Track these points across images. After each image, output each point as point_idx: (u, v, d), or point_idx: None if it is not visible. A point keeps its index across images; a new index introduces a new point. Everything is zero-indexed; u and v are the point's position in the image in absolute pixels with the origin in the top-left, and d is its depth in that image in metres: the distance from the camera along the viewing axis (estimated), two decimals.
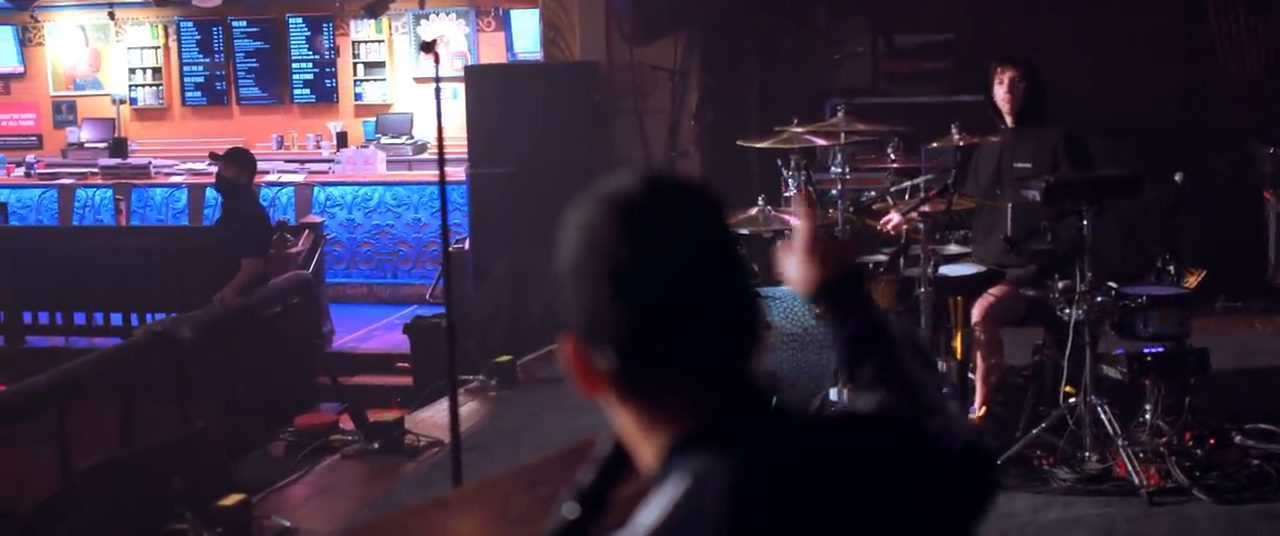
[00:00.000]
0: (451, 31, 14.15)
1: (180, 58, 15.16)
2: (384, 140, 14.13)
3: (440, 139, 5.36)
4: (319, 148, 14.45)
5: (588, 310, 1.55)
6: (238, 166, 9.81)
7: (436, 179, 12.42)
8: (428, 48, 5.05)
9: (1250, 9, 10.44)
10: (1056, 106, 6.89)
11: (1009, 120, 6.78)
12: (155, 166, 14.08)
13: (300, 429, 7.68)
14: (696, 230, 1.58)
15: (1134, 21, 10.43)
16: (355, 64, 14.73)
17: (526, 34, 13.46)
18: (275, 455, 7.72)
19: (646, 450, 1.58)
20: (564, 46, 10.92)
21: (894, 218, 6.68)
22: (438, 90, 5.12)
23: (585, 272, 1.55)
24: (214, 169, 10.30)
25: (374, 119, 14.47)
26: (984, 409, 6.47)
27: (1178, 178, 7.30)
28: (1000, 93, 6.76)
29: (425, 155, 13.65)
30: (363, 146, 14.12)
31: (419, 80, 14.34)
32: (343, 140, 14.24)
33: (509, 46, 14.04)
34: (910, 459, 1.66)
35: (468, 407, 7.95)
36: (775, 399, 1.62)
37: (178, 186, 13.78)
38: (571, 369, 1.60)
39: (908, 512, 1.60)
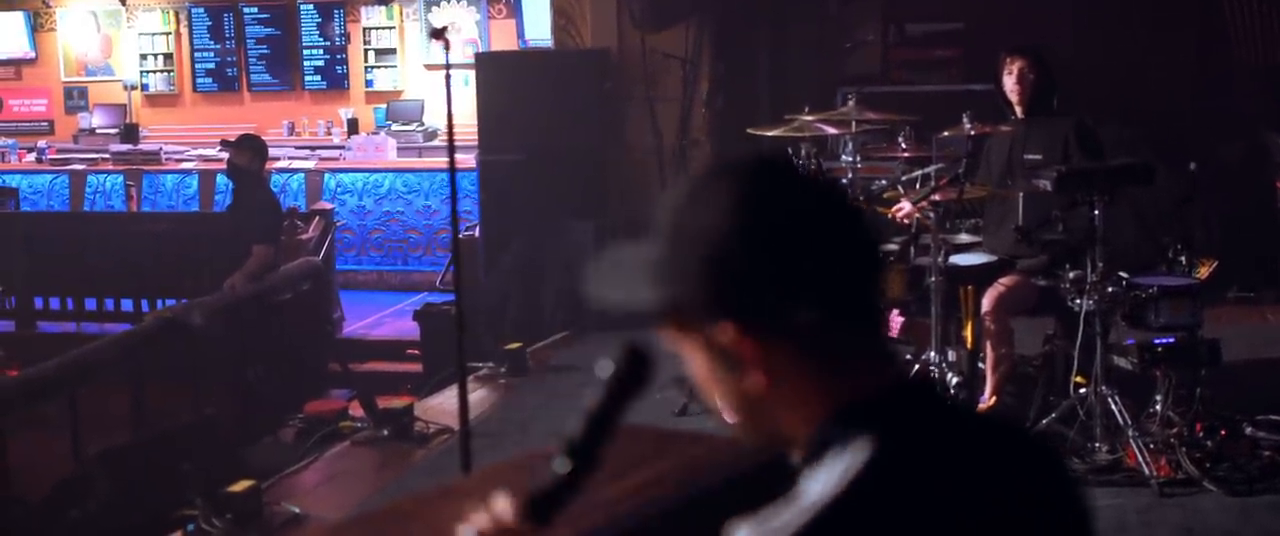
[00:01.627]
0: (462, 18, 14.14)
1: (191, 44, 15.16)
2: (395, 127, 14.12)
3: (450, 126, 5.36)
4: (330, 134, 14.46)
5: (759, 279, 1.50)
6: (249, 153, 9.82)
7: (447, 166, 12.46)
8: (438, 34, 5.04)
9: None
10: (1068, 95, 6.87)
11: (1019, 111, 6.77)
12: (166, 153, 14.07)
13: (310, 415, 7.69)
14: (836, 191, 1.59)
15: (1146, 9, 10.40)
16: (366, 50, 14.71)
17: (538, 21, 13.41)
18: (285, 441, 7.73)
19: (800, 422, 1.55)
20: (575, 33, 10.90)
21: (905, 206, 6.67)
22: (448, 77, 5.12)
23: (747, 241, 1.51)
24: (225, 156, 10.31)
25: (385, 106, 14.46)
26: (994, 399, 6.46)
27: (1191, 167, 7.27)
28: (1009, 83, 6.75)
29: (436, 142, 13.64)
30: (373, 133, 14.12)
31: (430, 67, 14.32)
32: (354, 127, 14.24)
33: (520, 33, 14.02)
34: (1053, 471, 1.67)
35: (478, 395, 7.94)
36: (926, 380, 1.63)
37: (189, 173, 13.78)
38: (738, 356, 1.53)
39: (1056, 526, 1.62)
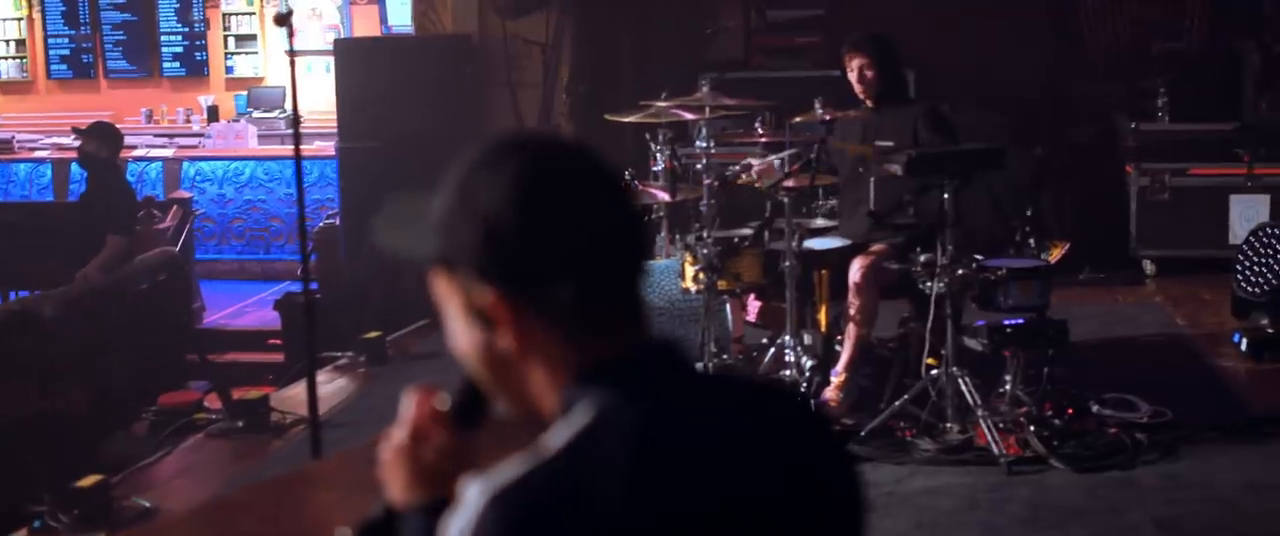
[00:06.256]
0: (324, 4, 13.98)
1: (45, 29, 14.82)
2: (256, 114, 13.92)
3: (295, 113, 5.32)
4: (189, 122, 14.21)
5: (526, 254, 1.57)
6: (99, 141, 9.63)
7: (310, 153, 12.35)
8: (282, 20, 4.98)
9: None
10: (927, 80, 6.96)
11: (868, 103, 6.85)
12: (19, 141, 13.75)
13: (164, 407, 7.56)
14: (602, 166, 1.64)
15: None
16: (226, 36, 14.51)
17: (401, 7, 13.33)
18: (138, 434, 7.59)
19: (545, 385, 1.62)
20: (436, 20, 10.82)
21: (753, 165, 6.75)
22: (292, 63, 5.08)
23: (521, 218, 1.57)
24: (78, 144, 10.10)
25: (246, 93, 14.26)
26: (844, 375, 6.50)
27: (1038, 151, 7.41)
28: (852, 78, 6.83)
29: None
30: (234, 120, 13.90)
31: (291, 54, 14.11)
32: (214, 114, 14.01)
33: (383, 20, 13.91)
34: (808, 432, 1.70)
35: (336, 385, 7.88)
36: (675, 345, 1.67)
37: (42, 161, 13.47)
38: (493, 319, 1.60)
39: (799, 479, 1.63)
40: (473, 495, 1.50)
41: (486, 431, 1.77)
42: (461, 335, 1.66)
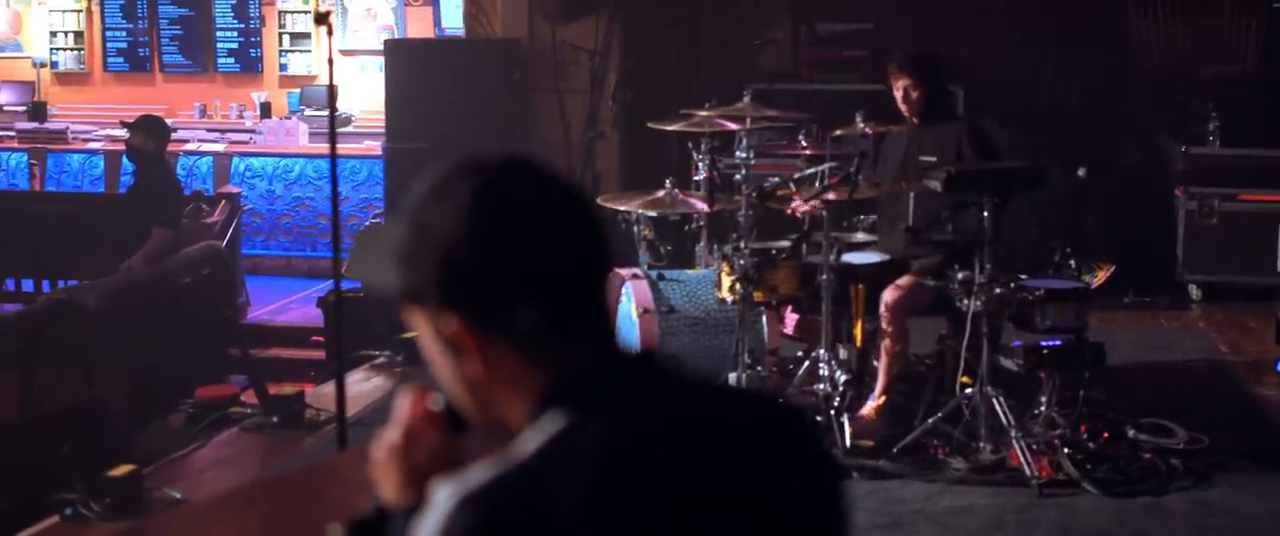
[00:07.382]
0: (379, 5, 14.05)
1: (103, 22, 14.94)
2: (308, 112, 13.99)
3: (332, 111, 5.36)
4: (242, 118, 14.30)
5: (485, 280, 1.58)
6: (146, 134, 9.71)
7: (359, 152, 12.42)
8: (321, 20, 5.01)
9: (1167, 5, 10.54)
10: (973, 95, 6.91)
11: (914, 120, 6.81)
12: (73, 132, 13.88)
13: (200, 400, 7.60)
14: (555, 182, 1.64)
15: (1053, 13, 10.50)
16: (281, 34, 14.57)
17: (454, 9, 13.36)
18: (174, 426, 7.64)
19: (517, 402, 1.62)
20: (486, 23, 10.86)
21: (797, 202, 6.71)
22: (330, 62, 5.10)
23: (476, 244, 1.57)
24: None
25: (298, 90, 14.33)
26: (883, 398, 6.49)
27: (1081, 172, 7.35)
28: (897, 97, 6.81)
29: (350, 128, 13.53)
30: (286, 118, 13.98)
31: (345, 52, 14.22)
32: (267, 111, 14.10)
33: (437, 21, 13.95)
34: (786, 440, 1.69)
35: (372, 383, 7.92)
36: (655, 357, 1.67)
37: (95, 153, 13.59)
38: (460, 345, 1.61)
39: (774, 490, 1.63)
40: (442, 498, 1.50)
41: (478, 433, 1.77)
42: (436, 362, 1.67)
